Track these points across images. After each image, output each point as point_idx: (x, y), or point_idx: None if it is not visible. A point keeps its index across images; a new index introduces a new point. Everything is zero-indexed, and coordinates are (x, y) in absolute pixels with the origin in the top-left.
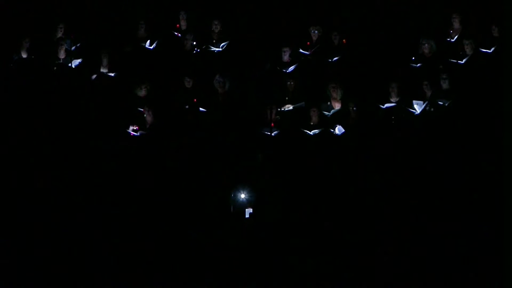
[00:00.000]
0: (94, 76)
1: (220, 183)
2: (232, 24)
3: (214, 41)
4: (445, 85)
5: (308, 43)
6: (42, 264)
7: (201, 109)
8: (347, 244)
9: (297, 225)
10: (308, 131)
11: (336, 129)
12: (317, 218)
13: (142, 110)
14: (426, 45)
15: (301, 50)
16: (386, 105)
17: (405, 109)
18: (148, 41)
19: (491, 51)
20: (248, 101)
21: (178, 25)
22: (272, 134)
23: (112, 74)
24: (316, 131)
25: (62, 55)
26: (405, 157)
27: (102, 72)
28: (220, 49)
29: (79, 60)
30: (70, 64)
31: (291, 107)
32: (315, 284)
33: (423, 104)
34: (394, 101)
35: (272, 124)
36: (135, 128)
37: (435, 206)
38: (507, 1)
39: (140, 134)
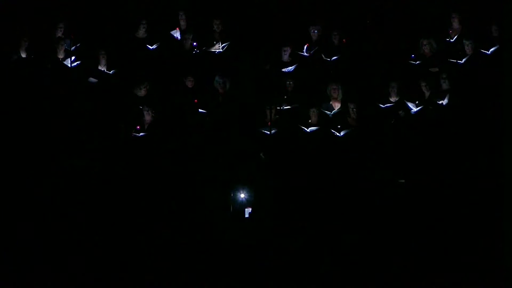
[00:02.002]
0: (91, 79)
1: (220, 183)
2: (232, 24)
3: (215, 41)
4: (444, 85)
5: (307, 44)
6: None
7: (200, 110)
8: (346, 243)
9: (295, 225)
10: (305, 128)
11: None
12: (315, 217)
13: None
14: (427, 45)
15: (299, 53)
16: (386, 105)
17: (404, 108)
18: (150, 42)
19: (490, 51)
20: (248, 101)
21: (177, 28)
22: (271, 132)
23: (111, 72)
24: (313, 128)
25: (61, 55)
26: (404, 157)
27: (101, 71)
28: (221, 49)
29: (78, 62)
30: (69, 64)
31: (288, 107)
32: (314, 284)
33: (423, 104)
34: (394, 101)
35: (270, 123)
36: (136, 129)
37: (434, 206)
38: (507, 1)
39: (141, 135)
